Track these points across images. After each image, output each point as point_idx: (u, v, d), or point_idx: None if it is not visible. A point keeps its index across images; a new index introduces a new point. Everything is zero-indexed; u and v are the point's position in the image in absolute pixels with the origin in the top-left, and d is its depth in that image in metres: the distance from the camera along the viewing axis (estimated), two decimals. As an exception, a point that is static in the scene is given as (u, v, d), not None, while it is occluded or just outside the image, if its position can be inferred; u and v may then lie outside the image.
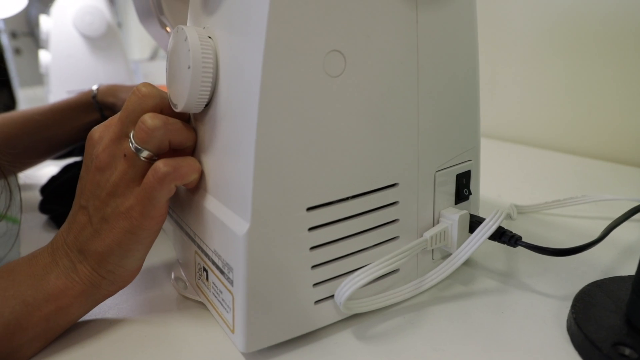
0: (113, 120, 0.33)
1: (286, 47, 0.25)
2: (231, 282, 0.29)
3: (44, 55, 1.18)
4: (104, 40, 1.15)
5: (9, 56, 2.47)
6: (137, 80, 1.41)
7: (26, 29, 2.52)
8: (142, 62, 1.72)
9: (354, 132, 0.29)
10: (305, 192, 0.28)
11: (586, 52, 0.71)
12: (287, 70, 0.25)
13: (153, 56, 2.00)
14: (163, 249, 0.45)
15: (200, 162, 0.33)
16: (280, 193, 0.27)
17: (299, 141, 0.27)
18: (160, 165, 0.30)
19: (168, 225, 0.44)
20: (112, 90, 0.67)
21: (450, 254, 0.38)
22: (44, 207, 0.56)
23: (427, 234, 0.34)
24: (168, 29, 0.55)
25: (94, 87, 0.67)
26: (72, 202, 0.53)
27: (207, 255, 0.32)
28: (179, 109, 0.31)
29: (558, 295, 0.36)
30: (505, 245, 0.36)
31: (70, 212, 0.33)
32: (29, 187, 0.69)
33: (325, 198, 0.29)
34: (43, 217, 0.56)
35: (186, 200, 0.35)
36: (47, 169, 0.75)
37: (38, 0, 2.49)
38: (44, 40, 1.15)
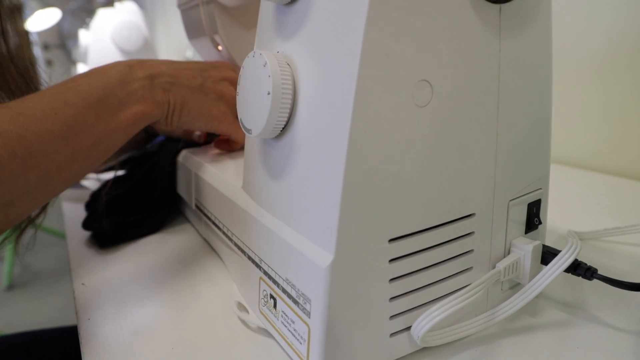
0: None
1: (378, 77, 0.24)
2: (307, 314, 0.28)
3: (81, 69, 1.20)
4: (140, 54, 1.17)
5: (42, 67, 2.52)
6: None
7: (58, 42, 2.58)
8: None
9: (437, 162, 0.28)
10: (389, 223, 0.27)
11: None
12: (378, 101, 0.25)
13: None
14: (219, 273, 0.45)
15: (270, 188, 0.32)
16: (366, 224, 0.26)
17: (385, 171, 0.26)
18: None
19: (223, 247, 0.44)
20: None
21: (517, 284, 0.37)
22: (86, 224, 0.56)
23: (501, 265, 0.33)
24: (220, 47, 0.55)
25: None
26: (114, 221, 0.54)
27: (276, 283, 0.32)
28: (253, 134, 0.30)
29: (632, 329, 0.35)
30: (569, 274, 0.34)
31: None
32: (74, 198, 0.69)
33: (407, 229, 0.28)
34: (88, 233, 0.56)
35: (251, 225, 0.35)
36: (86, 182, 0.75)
37: (70, 14, 2.55)
38: (82, 53, 1.17)
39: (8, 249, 1.86)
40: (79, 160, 0.36)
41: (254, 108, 0.30)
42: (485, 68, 0.29)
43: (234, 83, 0.49)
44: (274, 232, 0.31)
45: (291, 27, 0.30)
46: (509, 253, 0.35)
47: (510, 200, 0.34)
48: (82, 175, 0.38)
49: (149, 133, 0.67)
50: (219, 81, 0.47)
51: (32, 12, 2.13)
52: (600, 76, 0.74)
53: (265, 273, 0.33)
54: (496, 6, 0.29)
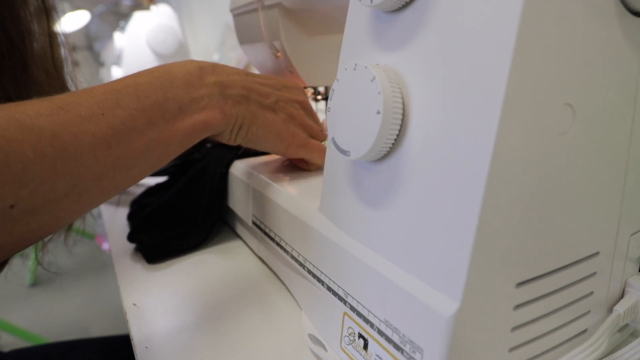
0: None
1: (525, 101, 0.21)
2: (417, 365, 0.25)
3: (114, 72, 1.19)
4: (175, 58, 1.15)
5: (69, 69, 2.54)
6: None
7: (85, 43, 2.59)
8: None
9: (570, 195, 0.25)
10: (518, 265, 0.24)
11: None
12: (522, 127, 0.21)
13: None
14: (281, 299, 0.42)
15: (363, 216, 0.29)
16: (496, 267, 0.23)
17: (520, 206, 0.23)
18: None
19: (290, 272, 0.40)
20: None
21: (626, 325, 0.33)
22: (131, 236, 0.53)
23: (620, 309, 0.30)
24: (279, 54, 0.52)
25: None
26: (159, 233, 0.51)
27: (369, 322, 0.28)
28: (353, 157, 0.27)
29: None
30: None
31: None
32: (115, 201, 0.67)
33: (536, 271, 0.25)
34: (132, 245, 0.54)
35: (335, 254, 0.31)
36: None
37: (97, 16, 2.56)
38: (116, 56, 1.16)
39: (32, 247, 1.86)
40: (122, 170, 0.31)
41: (356, 128, 0.26)
42: (624, 89, 0.25)
43: (304, 107, 0.46)
44: (371, 267, 0.28)
45: (398, 38, 0.27)
46: (623, 294, 0.31)
47: (631, 235, 0.30)
48: (126, 186, 0.34)
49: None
50: (290, 102, 0.44)
51: (62, 15, 2.14)
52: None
53: (353, 309, 0.30)
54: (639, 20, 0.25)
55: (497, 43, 0.21)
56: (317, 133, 0.46)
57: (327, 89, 0.56)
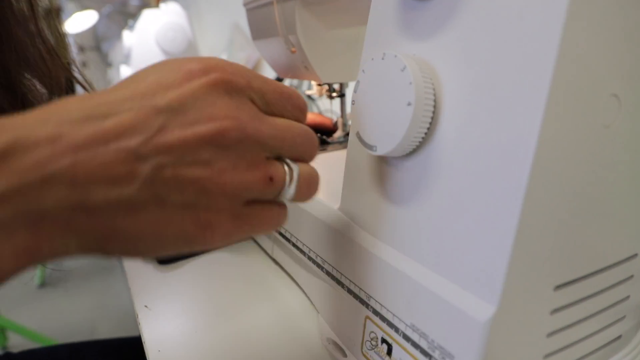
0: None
1: (571, 92, 0.20)
2: (448, 372, 0.23)
3: (123, 71, 1.18)
4: (184, 56, 1.14)
5: (78, 69, 2.54)
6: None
7: (93, 44, 2.59)
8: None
9: (612, 192, 0.23)
10: (559, 266, 0.22)
11: None
12: (567, 121, 0.20)
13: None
14: (296, 301, 0.40)
15: (388, 215, 0.28)
16: (536, 269, 0.21)
17: (563, 204, 0.21)
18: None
19: (305, 273, 0.39)
20: None
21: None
22: None
23: (657, 314, 0.28)
24: (294, 49, 0.51)
25: None
26: None
27: (393, 327, 0.27)
28: (380, 152, 0.26)
29: None
30: None
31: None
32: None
33: (575, 273, 0.23)
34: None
35: (357, 255, 0.30)
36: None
37: (105, 17, 2.57)
38: (125, 55, 1.15)
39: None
40: None
41: (384, 121, 0.25)
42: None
43: (227, 139, 0.20)
44: (396, 268, 0.26)
45: (429, 26, 0.25)
46: (659, 298, 0.30)
47: (669, 237, 0.28)
48: None
49: None
50: (196, 151, 0.19)
51: (69, 15, 2.14)
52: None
53: (376, 313, 0.29)
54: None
55: (542, 30, 0.19)
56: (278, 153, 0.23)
57: (341, 85, 0.55)
